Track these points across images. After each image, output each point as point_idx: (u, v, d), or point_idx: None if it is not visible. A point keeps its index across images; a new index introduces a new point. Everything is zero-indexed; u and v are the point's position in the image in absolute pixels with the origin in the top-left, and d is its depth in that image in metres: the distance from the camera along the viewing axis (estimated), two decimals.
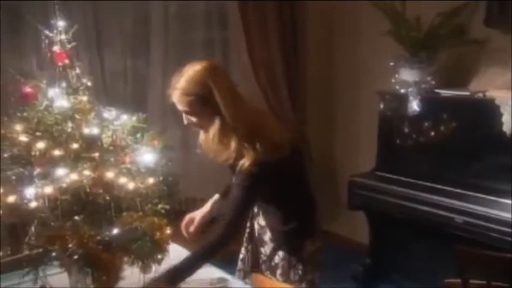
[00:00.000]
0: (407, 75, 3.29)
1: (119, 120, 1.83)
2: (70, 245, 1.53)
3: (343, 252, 4.09)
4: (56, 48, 1.75)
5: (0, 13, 3.01)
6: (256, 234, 2.23)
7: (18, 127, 1.70)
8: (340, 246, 4.23)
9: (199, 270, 1.89)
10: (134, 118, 1.85)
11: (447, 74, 3.36)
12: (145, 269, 1.65)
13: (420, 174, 3.25)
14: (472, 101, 3.08)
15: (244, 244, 2.31)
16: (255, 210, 2.21)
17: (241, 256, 2.32)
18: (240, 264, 2.32)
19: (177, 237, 2.23)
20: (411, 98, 3.25)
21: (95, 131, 1.73)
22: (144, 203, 1.73)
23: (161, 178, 1.81)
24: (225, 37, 3.97)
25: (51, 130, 1.70)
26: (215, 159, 2.04)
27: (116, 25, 3.57)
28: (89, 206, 1.65)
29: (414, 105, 3.25)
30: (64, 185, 1.61)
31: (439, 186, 3.11)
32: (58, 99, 1.74)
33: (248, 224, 2.27)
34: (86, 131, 1.71)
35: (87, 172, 1.63)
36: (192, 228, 2.25)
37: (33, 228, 1.59)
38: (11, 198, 1.61)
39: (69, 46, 1.77)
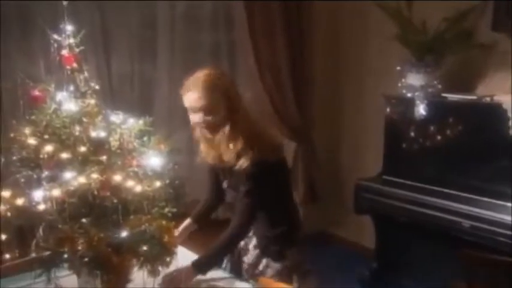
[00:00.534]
0: (414, 79, 3.28)
1: (126, 124, 1.84)
2: (79, 248, 1.54)
3: (350, 256, 4.08)
4: (65, 52, 1.77)
5: (10, 18, 3.04)
6: (242, 244, 2.22)
7: (27, 130, 1.72)
8: (346, 250, 4.22)
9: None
10: (141, 122, 1.86)
11: (454, 78, 3.35)
12: (153, 272, 1.65)
13: (427, 178, 3.24)
14: (479, 105, 3.07)
15: None
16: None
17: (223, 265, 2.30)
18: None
19: (185, 241, 2.25)
20: (418, 102, 3.25)
21: (102, 134, 1.74)
22: (151, 206, 1.74)
23: (168, 181, 1.82)
24: (232, 39, 3.99)
25: (59, 133, 1.71)
26: (213, 161, 2.13)
27: (123, 29, 3.59)
28: (96, 209, 1.66)
29: (421, 110, 3.24)
30: (72, 187, 1.62)
31: (446, 190, 3.10)
32: (66, 102, 1.76)
33: None
34: (94, 134, 1.72)
35: (94, 175, 1.63)
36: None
37: (41, 231, 1.60)
38: (20, 201, 1.62)
39: (77, 50, 1.79)
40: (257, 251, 2.18)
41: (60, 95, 1.77)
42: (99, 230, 1.61)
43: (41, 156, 1.66)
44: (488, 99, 3.02)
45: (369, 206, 3.50)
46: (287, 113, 4.01)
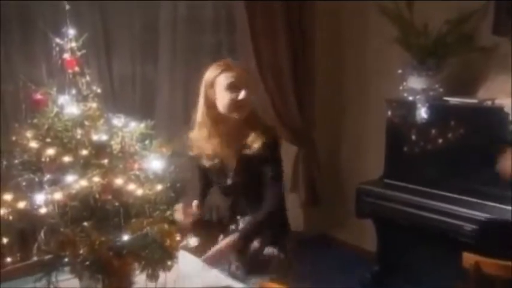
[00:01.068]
0: (415, 82, 3.29)
1: (128, 127, 1.85)
2: (81, 251, 1.54)
3: (351, 259, 4.08)
4: (67, 55, 1.77)
5: (12, 21, 3.04)
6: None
7: (29, 133, 1.71)
8: (348, 253, 4.22)
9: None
10: (142, 125, 1.86)
11: (455, 81, 3.35)
12: (154, 276, 1.65)
13: (428, 182, 3.24)
14: (480, 108, 3.08)
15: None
16: (241, 210, 2.27)
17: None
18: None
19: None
20: (419, 105, 3.26)
21: (104, 137, 1.74)
22: (153, 210, 1.74)
23: (169, 184, 1.82)
24: (233, 41, 3.99)
25: (61, 137, 1.71)
26: (218, 157, 2.18)
27: (125, 31, 3.60)
28: (97, 212, 1.65)
29: (422, 113, 3.25)
30: (73, 191, 1.62)
31: (447, 194, 3.11)
32: (68, 106, 1.75)
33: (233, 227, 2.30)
34: (95, 137, 1.72)
35: (96, 178, 1.63)
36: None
37: (42, 234, 1.61)
38: (21, 204, 1.62)
39: (79, 53, 1.79)
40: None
41: (62, 99, 1.77)
42: (100, 233, 1.60)
43: (43, 159, 1.66)
44: (489, 102, 3.03)
45: (371, 210, 3.50)
46: (288, 115, 4.01)
